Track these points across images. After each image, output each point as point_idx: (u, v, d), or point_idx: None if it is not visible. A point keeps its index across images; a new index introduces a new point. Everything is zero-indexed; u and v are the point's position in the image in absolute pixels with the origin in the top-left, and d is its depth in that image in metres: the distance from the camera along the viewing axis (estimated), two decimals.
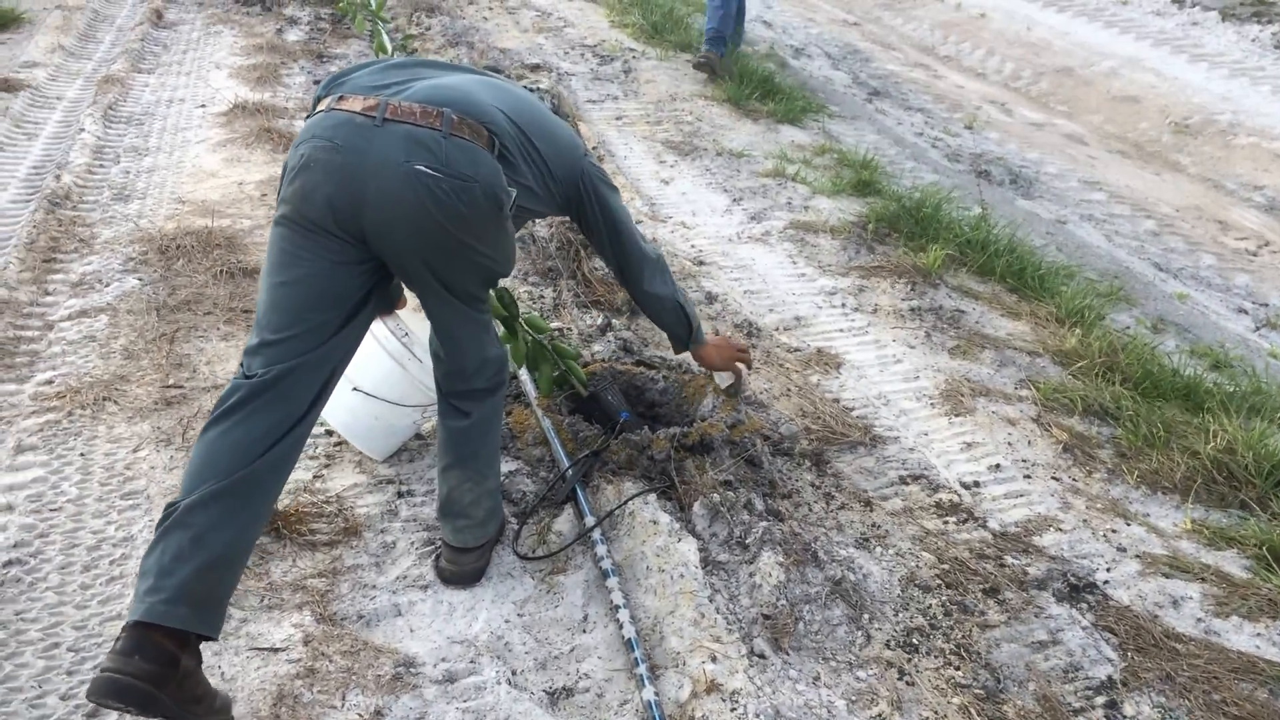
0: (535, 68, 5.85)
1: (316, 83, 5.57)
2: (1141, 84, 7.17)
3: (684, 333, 2.61)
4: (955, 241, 3.87)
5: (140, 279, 3.46)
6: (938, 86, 7.27)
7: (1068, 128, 6.71)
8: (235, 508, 1.86)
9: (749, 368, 2.82)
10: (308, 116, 2.07)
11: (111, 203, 4.09)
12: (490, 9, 7.03)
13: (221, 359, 3.04)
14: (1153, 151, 6.37)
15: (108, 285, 3.41)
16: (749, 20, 8.23)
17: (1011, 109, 6.99)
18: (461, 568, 2.30)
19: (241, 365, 2.00)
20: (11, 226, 3.86)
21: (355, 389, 2.56)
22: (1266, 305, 4.16)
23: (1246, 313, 4.08)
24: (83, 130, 4.73)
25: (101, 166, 4.44)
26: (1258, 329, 3.92)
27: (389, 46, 5.39)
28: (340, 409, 2.58)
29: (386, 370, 2.55)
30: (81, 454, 2.63)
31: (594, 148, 4.80)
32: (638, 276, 2.49)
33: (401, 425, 2.66)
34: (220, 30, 6.37)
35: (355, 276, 2.04)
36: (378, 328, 2.54)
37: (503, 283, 3.44)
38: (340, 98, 2.02)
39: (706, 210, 4.25)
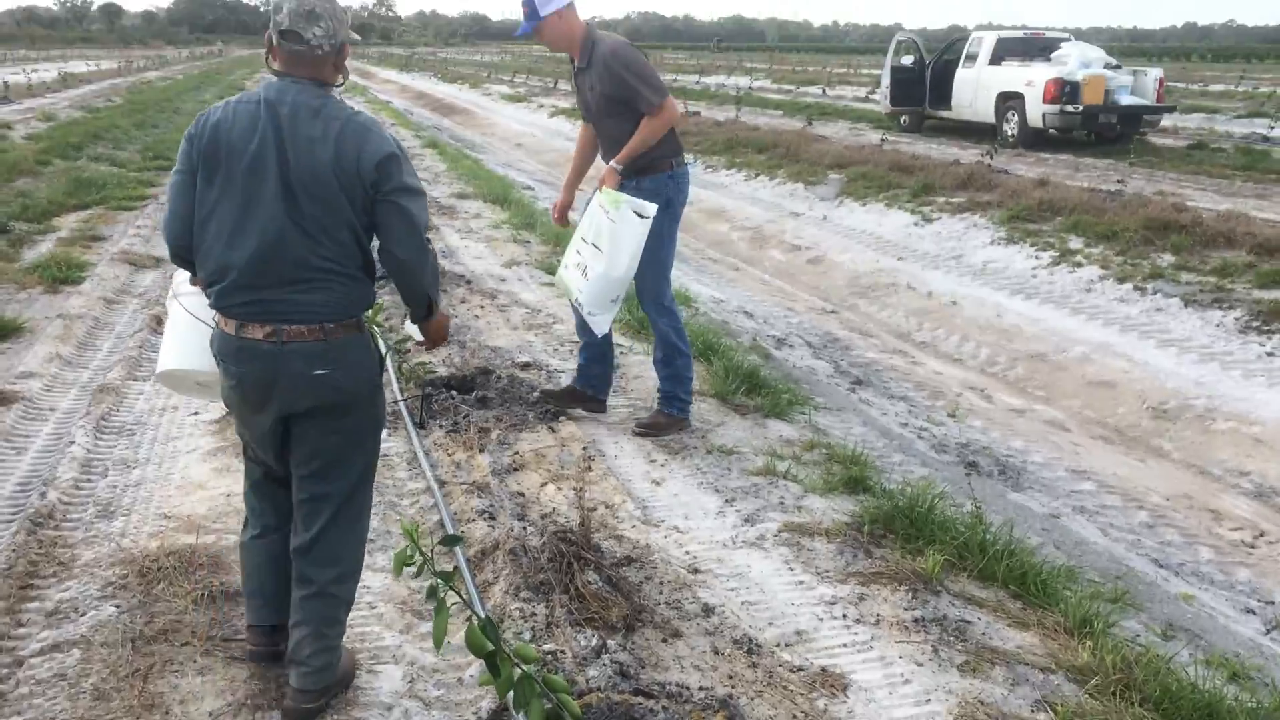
0: (525, 366, 5.98)
1: None
2: (1115, 369, 7.37)
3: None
4: (953, 543, 3.82)
5: (118, 605, 3.35)
6: (917, 373, 7.45)
7: (1048, 414, 6.83)
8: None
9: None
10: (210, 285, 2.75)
11: (95, 520, 4.03)
12: (482, 307, 7.26)
13: (196, 697, 2.90)
14: (1135, 437, 6.46)
15: (83, 614, 3.30)
16: (730, 311, 8.54)
17: (991, 395, 7.14)
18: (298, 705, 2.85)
19: None
20: None
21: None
22: (1272, 603, 4.08)
23: (1254, 613, 4.00)
24: (73, 443, 4.74)
25: (89, 481, 4.42)
26: (1268, 632, 3.82)
27: (382, 349, 5.50)
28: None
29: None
30: None
31: (583, 448, 4.82)
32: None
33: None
34: None
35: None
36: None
37: (489, 604, 3.34)
38: (242, 324, 2.68)
39: (699, 513, 4.22)
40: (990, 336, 8.46)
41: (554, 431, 5.03)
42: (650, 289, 4.99)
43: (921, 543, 3.89)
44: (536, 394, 5.31)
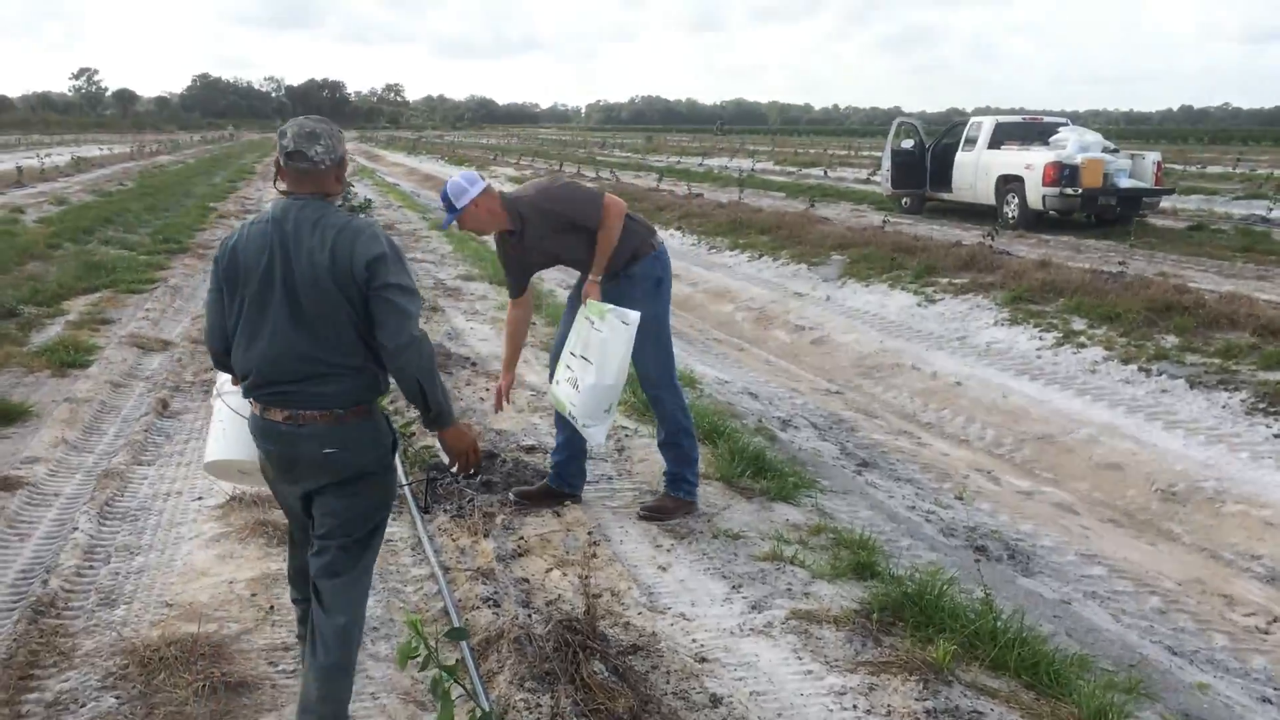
0: (530, 449, 5.97)
1: None
2: (1122, 451, 7.34)
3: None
4: (963, 631, 3.77)
5: (118, 697, 3.31)
6: (924, 455, 7.43)
7: (1056, 496, 6.79)
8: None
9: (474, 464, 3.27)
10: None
11: (97, 609, 4.00)
12: (487, 389, 7.27)
13: None
14: (1144, 520, 6.41)
15: (83, 705, 3.26)
16: (735, 392, 8.55)
17: (999, 477, 7.10)
18: None
19: None
20: None
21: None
22: None
23: (1271, 702, 3.93)
24: (76, 529, 4.72)
25: (91, 568, 4.39)
26: None
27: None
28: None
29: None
30: None
31: (589, 533, 4.79)
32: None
33: None
34: None
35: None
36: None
37: (494, 694, 3.29)
38: (265, 408, 3.03)
39: (706, 599, 4.18)
40: (996, 418, 8.44)
41: (559, 516, 5.01)
42: (655, 370, 5.03)
43: (932, 630, 3.84)
44: (512, 495, 5.21)
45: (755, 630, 3.91)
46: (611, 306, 4.66)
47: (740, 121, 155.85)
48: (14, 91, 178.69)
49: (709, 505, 5.25)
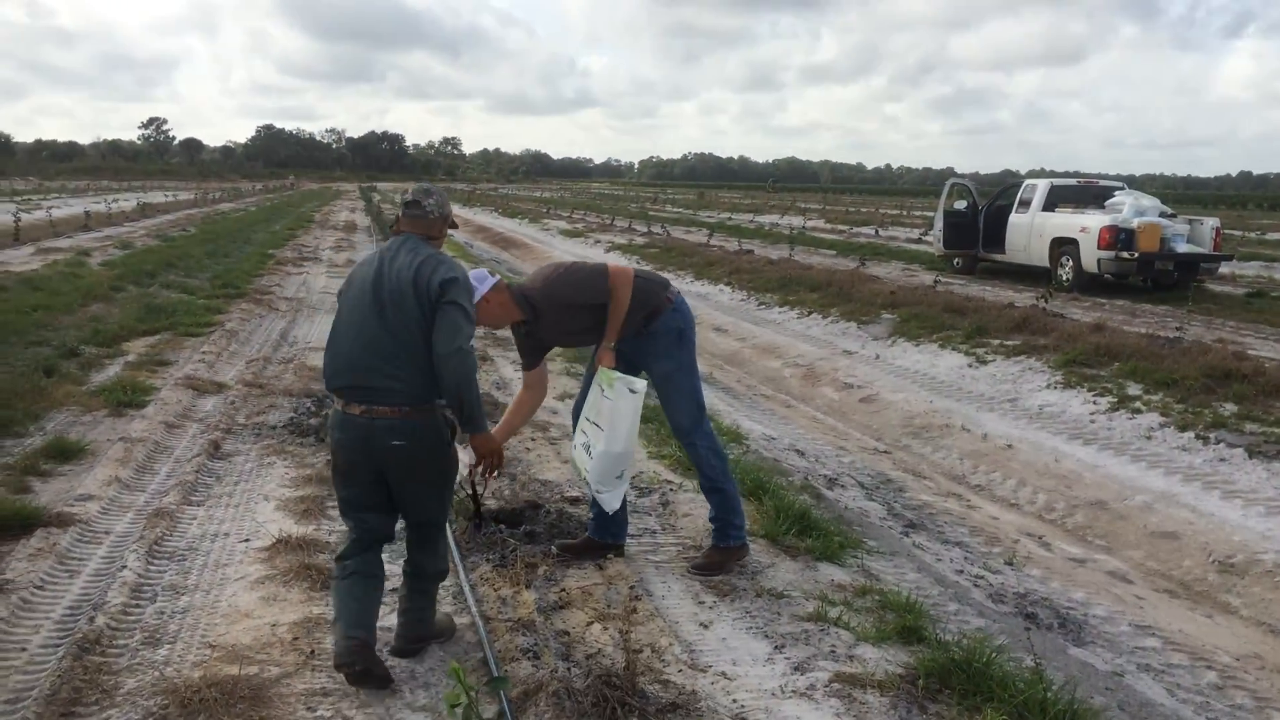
0: (575, 500, 5.96)
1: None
2: (1179, 520, 7.17)
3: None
4: (1012, 702, 3.68)
5: None
6: (973, 518, 7.31)
7: (1110, 564, 6.64)
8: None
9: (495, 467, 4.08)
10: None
11: (140, 648, 4.03)
12: (533, 439, 7.29)
13: None
14: (1200, 591, 6.24)
15: None
16: (782, 449, 8.49)
17: (1050, 543, 6.97)
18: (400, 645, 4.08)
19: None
20: (37, 675, 3.78)
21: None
22: None
23: None
24: (124, 567, 4.77)
25: (138, 606, 4.43)
26: None
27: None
28: None
29: None
30: None
31: (630, 587, 4.76)
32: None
33: None
34: (273, 461, 6.61)
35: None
36: None
37: None
38: (346, 403, 3.72)
39: (747, 659, 4.12)
40: (1048, 482, 8.30)
41: (601, 569, 4.98)
42: (685, 420, 5.03)
43: (979, 699, 3.75)
44: (554, 548, 5.18)
45: (797, 692, 3.84)
46: (620, 375, 4.75)
47: (792, 180, 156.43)
48: (85, 139, 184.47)
49: (754, 563, 5.19)
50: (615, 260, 5.68)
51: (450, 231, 4.21)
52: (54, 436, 6.89)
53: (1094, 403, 9.96)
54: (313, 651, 4.02)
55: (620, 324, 4.84)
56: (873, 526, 6.47)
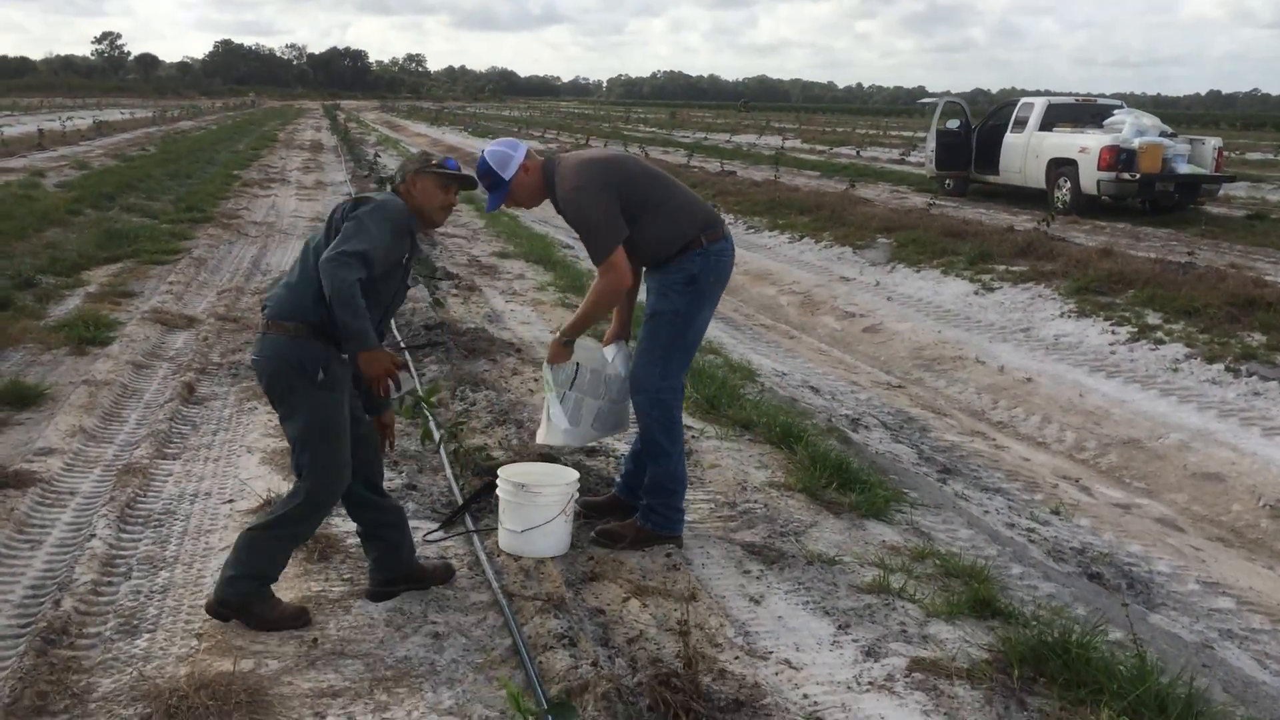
0: (591, 451, 5.44)
1: None
2: (1220, 460, 6.77)
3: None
4: (1124, 696, 3.22)
5: None
6: (1004, 460, 6.87)
7: (1155, 509, 6.23)
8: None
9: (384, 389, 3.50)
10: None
11: (115, 638, 3.49)
12: (535, 380, 6.74)
13: None
14: (1255, 539, 5.86)
15: None
16: (795, 385, 8.00)
17: (1089, 486, 6.54)
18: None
19: None
20: None
21: None
22: None
23: None
24: (93, 535, 4.21)
25: (110, 584, 3.88)
26: None
27: (435, 435, 5.00)
28: None
29: None
30: None
31: (666, 555, 4.25)
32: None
33: None
34: (255, 406, 6.02)
35: None
36: None
37: None
38: None
39: (811, 642, 3.64)
40: (1075, 418, 7.87)
41: None
42: (641, 371, 4.30)
43: (1084, 691, 3.29)
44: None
45: (875, 684, 3.36)
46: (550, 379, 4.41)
47: (763, 99, 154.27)
48: (37, 54, 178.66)
49: (795, 521, 4.71)
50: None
51: (415, 150, 3.78)
52: (9, 380, 6.25)
53: (1112, 332, 9.52)
54: (315, 640, 3.49)
55: (581, 325, 4.29)
56: (908, 474, 5.99)
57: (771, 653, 3.56)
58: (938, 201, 18.27)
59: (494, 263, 11.88)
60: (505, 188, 4.15)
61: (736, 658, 3.50)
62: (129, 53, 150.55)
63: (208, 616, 3.58)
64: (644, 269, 4.41)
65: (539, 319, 8.97)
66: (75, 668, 3.29)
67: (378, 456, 3.86)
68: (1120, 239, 14.52)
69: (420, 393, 4.95)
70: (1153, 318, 9.63)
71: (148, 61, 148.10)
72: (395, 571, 3.81)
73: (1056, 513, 5.79)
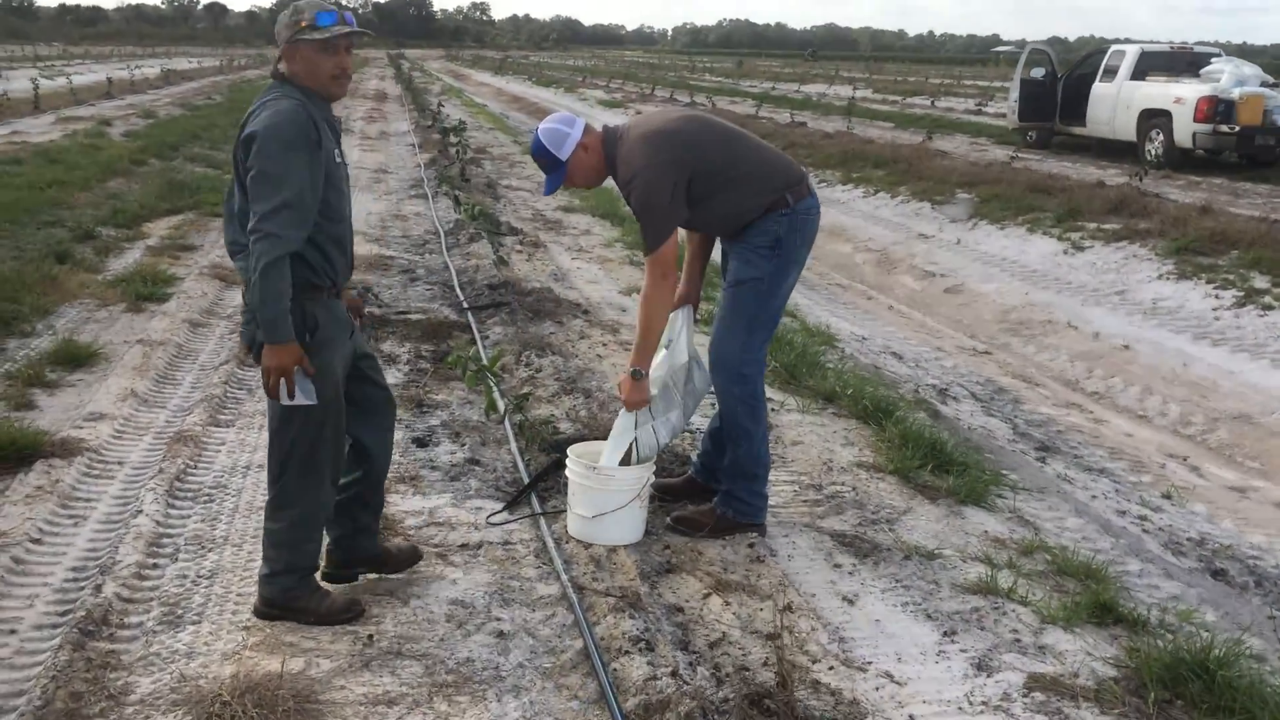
0: None
1: (416, 442, 4.84)
2: None
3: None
4: None
5: None
6: (1105, 436, 6.40)
7: (1275, 493, 5.74)
8: None
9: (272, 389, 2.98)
10: None
11: (158, 629, 3.24)
12: (604, 344, 6.40)
13: None
14: None
15: None
16: (876, 351, 7.57)
17: (1198, 466, 6.06)
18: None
19: None
20: (28, 670, 3.00)
21: None
22: None
23: None
24: (140, 512, 3.97)
25: (155, 567, 3.63)
26: None
27: (500, 406, 4.68)
28: None
29: None
30: None
31: (749, 546, 3.90)
32: None
33: None
34: None
35: None
36: None
37: None
38: None
39: (914, 652, 3.27)
40: (1178, 390, 7.35)
41: None
42: (725, 348, 3.89)
43: (1229, 719, 2.89)
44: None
45: (990, 706, 2.99)
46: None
47: (831, 47, 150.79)
48: (109, 3, 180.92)
49: (888, 507, 4.33)
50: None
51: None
52: (63, 338, 6.06)
53: (1216, 297, 8.91)
54: (371, 637, 3.21)
55: (649, 345, 3.85)
56: (1003, 452, 5.57)
57: (870, 663, 3.20)
58: (1020, 154, 17.47)
59: (559, 217, 11.52)
60: (563, 169, 3.79)
61: (831, 668, 3.15)
62: (198, 2, 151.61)
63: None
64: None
65: (606, 277, 8.61)
66: (114, 664, 3.04)
67: (384, 420, 3.53)
68: (1219, 195, 13.72)
69: (485, 360, 4.62)
70: (1260, 281, 8.99)
71: (216, 10, 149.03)
72: (355, 554, 3.51)
73: (1168, 497, 5.33)
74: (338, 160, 3.14)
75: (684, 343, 4.01)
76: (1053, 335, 8.75)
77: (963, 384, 7.02)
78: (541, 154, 3.77)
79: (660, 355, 3.96)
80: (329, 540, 3.46)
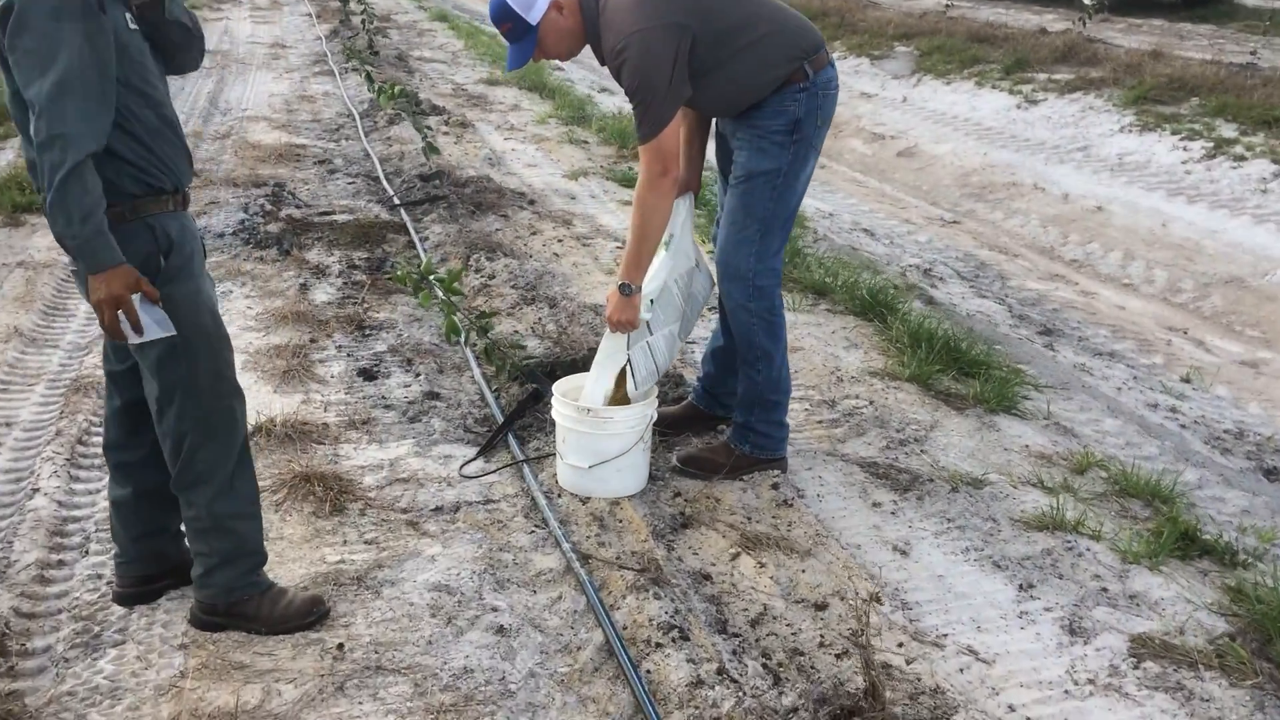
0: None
1: (363, 374, 4.16)
2: None
3: None
4: None
5: None
6: (1100, 311, 5.96)
7: None
8: None
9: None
10: None
11: (71, 655, 2.58)
12: (559, 240, 5.70)
13: None
14: None
15: None
16: (847, 229, 6.99)
17: (1202, 340, 5.67)
18: None
19: None
20: None
21: None
22: None
23: None
24: (36, 490, 3.26)
25: (62, 565, 2.96)
26: None
27: (460, 329, 3.99)
28: None
29: None
30: None
31: (772, 487, 3.36)
32: None
33: None
34: (231, 290, 4.96)
35: None
36: None
37: None
38: None
39: (993, 615, 2.78)
40: (1161, 254, 6.94)
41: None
42: (737, 254, 3.26)
43: None
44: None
45: (1099, 685, 2.52)
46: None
47: None
48: None
49: (910, 422, 3.81)
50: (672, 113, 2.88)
51: None
52: None
53: (1184, 149, 8.47)
54: (341, 646, 2.61)
55: (640, 257, 3.15)
56: (1006, 339, 5.07)
57: (946, 635, 2.70)
58: (954, 2, 16.73)
59: (483, 91, 10.56)
60: (533, 35, 3.04)
61: (900, 644, 2.65)
62: None
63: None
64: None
65: (546, 159, 7.82)
66: (16, 713, 2.40)
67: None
68: (1164, 38, 13.24)
69: (443, 274, 3.92)
70: (1227, 130, 8.57)
71: None
72: (162, 565, 2.80)
73: (1188, 381, 4.92)
74: (131, 27, 2.38)
75: (688, 240, 3.37)
76: (1019, 199, 8.26)
77: (944, 261, 6.50)
78: (506, 17, 3.01)
79: (660, 256, 3.31)
80: (127, 546, 2.75)
